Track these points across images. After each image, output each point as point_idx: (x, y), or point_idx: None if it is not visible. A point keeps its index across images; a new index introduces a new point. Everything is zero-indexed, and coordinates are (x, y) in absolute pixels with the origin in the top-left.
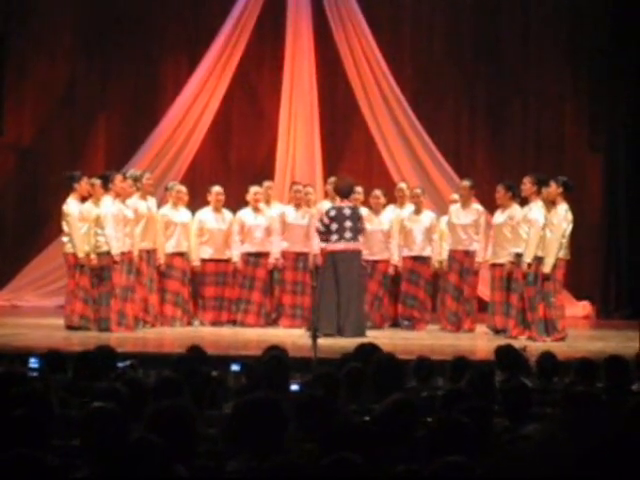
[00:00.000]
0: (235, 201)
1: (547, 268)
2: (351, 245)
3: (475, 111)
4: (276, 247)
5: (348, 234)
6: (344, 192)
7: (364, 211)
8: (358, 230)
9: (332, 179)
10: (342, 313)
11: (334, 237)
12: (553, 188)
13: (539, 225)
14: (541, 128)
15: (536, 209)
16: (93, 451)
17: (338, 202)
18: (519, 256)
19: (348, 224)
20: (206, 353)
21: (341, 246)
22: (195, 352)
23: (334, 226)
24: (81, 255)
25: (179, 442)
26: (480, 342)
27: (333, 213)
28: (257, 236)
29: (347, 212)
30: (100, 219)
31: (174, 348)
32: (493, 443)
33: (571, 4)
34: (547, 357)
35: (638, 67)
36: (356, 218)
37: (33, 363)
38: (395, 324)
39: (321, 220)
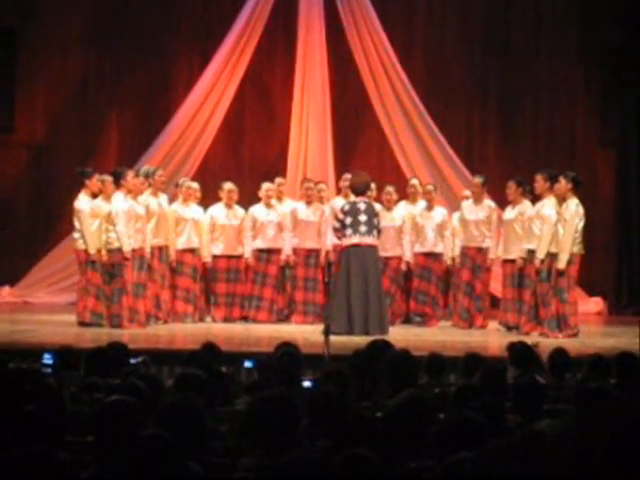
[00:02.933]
0: (247, 197)
1: (561, 264)
2: (365, 239)
3: (487, 107)
4: (288, 243)
5: (363, 228)
6: (359, 189)
7: (377, 207)
8: (373, 225)
9: (347, 176)
10: (356, 311)
11: (348, 231)
12: (563, 184)
13: (552, 221)
14: (553, 124)
15: (549, 205)
16: (108, 445)
17: (352, 198)
18: (531, 252)
19: (363, 218)
20: (220, 350)
21: (355, 240)
22: (209, 349)
23: (348, 220)
24: (92, 251)
25: (188, 438)
26: (492, 338)
27: (347, 207)
28: (269, 232)
29: (362, 207)
30: (111, 216)
31: (186, 344)
32: (505, 440)
33: (583, 0)
34: (559, 353)
35: None
36: (371, 214)
37: (47, 359)
38: (407, 320)
39: (336, 217)
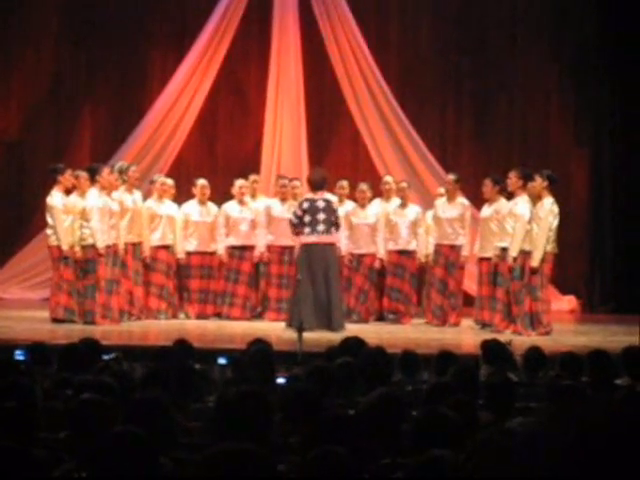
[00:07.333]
0: (221, 194)
1: (535, 262)
2: (324, 238)
3: (461, 105)
4: (261, 240)
5: (321, 227)
6: (317, 184)
7: (350, 205)
8: (332, 223)
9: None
10: (318, 307)
11: (307, 230)
12: (538, 182)
13: (525, 219)
14: (527, 123)
15: (522, 203)
16: (81, 443)
17: (310, 195)
18: (504, 250)
19: (321, 217)
20: (192, 346)
21: (313, 239)
22: (181, 345)
23: (307, 218)
24: (65, 248)
25: (156, 434)
26: (465, 336)
27: (306, 205)
28: (242, 229)
29: (321, 205)
30: (86, 212)
31: (159, 341)
32: (478, 437)
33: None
34: (534, 351)
35: (624, 62)
36: (330, 211)
37: (19, 355)
38: (380, 318)
39: (294, 212)
